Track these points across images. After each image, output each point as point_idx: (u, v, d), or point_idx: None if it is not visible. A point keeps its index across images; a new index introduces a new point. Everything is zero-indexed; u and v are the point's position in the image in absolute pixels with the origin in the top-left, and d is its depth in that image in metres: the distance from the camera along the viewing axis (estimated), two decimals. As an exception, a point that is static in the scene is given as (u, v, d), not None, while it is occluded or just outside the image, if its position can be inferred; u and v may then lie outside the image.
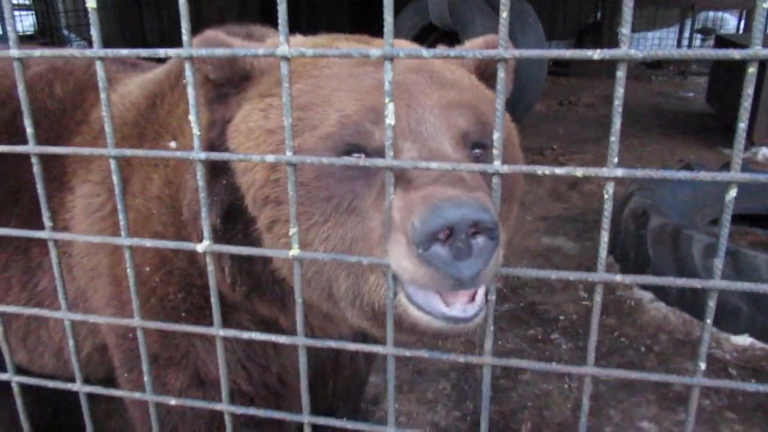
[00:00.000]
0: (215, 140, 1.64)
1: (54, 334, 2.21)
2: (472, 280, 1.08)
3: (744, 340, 3.86)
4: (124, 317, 1.89)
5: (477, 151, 1.46)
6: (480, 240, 1.06)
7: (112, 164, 1.12)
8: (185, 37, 1.00)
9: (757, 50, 0.78)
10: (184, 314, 1.84)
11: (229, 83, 1.57)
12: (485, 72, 1.74)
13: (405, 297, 1.24)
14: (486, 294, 1.22)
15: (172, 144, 1.87)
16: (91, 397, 1.40)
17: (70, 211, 2.04)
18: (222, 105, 1.59)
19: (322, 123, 1.40)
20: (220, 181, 1.62)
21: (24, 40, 12.62)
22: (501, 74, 0.90)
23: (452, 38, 6.57)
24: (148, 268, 1.83)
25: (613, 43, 13.66)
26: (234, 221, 1.59)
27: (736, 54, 0.79)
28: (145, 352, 1.29)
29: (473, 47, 1.76)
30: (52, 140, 2.11)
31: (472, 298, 1.22)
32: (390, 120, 0.95)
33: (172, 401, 1.35)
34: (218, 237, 1.67)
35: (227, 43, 1.51)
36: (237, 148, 1.54)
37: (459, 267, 1.06)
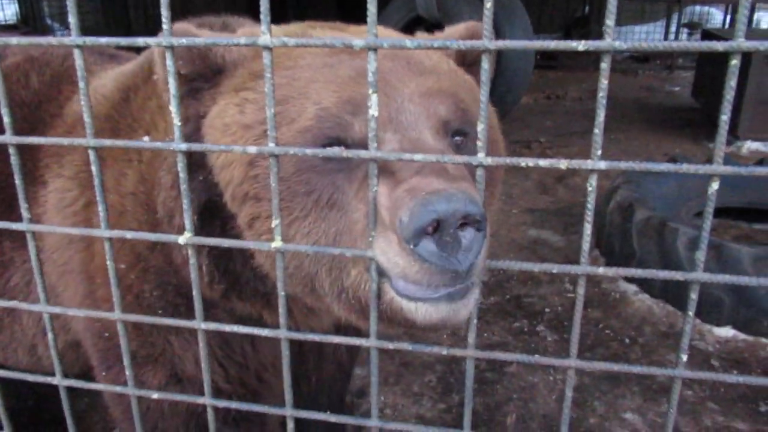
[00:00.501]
0: (190, 137, 1.60)
1: (27, 330, 2.19)
2: (466, 273, 1.07)
3: (726, 331, 3.90)
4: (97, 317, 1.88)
5: (457, 138, 1.44)
6: (468, 232, 1.05)
7: (91, 155, 1.11)
8: (165, 26, 0.98)
9: (740, 42, 0.77)
10: (160, 312, 1.82)
11: (200, 77, 1.54)
12: (466, 58, 1.73)
13: (394, 291, 1.20)
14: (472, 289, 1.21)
15: (146, 139, 1.84)
16: (71, 391, 1.38)
17: (42, 206, 2.00)
18: (195, 100, 1.55)
19: (299, 116, 1.37)
20: (196, 178, 1.59)
21: (6, 29, 12.43)
22: (485, 65, 0.90)
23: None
24: (123, 266, 1.81)
25: (601, 37, 13.70)
26: (211, 219, 1.56)
27: (719, 46, 0.78)
28: (126, 345, 1.28)
29: (455, 33, 1.74)
30: (26, 132, 2.07)
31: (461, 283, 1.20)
32: (373, 111, 0.94)
33: (155, 395, 1.34)
34: (196, 233, 1.65)
35: (195, 36, 1.47)
36: (213, 144, 1.50)
37: (452, 260, 1.05)
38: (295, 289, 1.48)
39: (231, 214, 1.52)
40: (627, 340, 3.92)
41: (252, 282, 1.68)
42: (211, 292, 1.70)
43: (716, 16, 14.82)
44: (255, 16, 2.01)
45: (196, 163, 1.59)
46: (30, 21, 12.34)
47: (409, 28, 8.50)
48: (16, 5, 13.09)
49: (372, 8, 0.90)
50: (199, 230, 1.61)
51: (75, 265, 1.95)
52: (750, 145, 7.39)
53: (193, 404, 1.89)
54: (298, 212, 1.35)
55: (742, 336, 3.87)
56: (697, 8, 14.86)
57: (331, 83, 1.40)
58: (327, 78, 1.42)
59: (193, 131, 1.58)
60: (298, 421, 1.26)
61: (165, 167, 1.70)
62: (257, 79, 1.49)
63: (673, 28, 13.44)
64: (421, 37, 1.78)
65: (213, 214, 1.56)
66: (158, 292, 1.83)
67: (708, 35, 9.04)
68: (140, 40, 1.02)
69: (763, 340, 3.82)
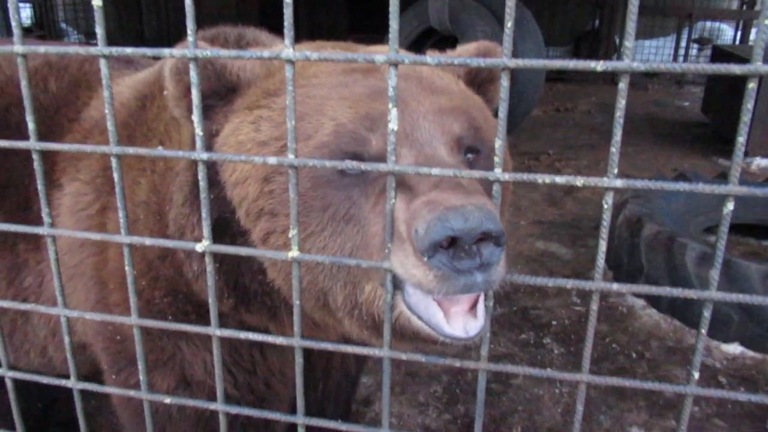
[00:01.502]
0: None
1: (39, 332, 2.21)
2: (483, 283, 1.09)
3: (734, 348, 3.89)
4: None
5: (470, 155, 1.46)
6: (486, 247, 1.06)
7: (114, 162, 1.12)
8: (190, 38, 1.00)
9: (759, 66, 0.79)
10: (170, 318, 1.83)
11: (214, 95, 1.54)
12: (475, 79, 1.75)
13: (405, 306, 1.23)
14: (486, 302, 1.22)
15: (159, 148, 1.85)
16: (82, 393, 1.40)
17: (57, 209, 2.03)
18: (207, 119, 1.54)
19: (316, 132, 1.39)
20: (208, 196, 1.61)
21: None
22: (505, 83, 0.91)
23: (451, 43, 6.58)
24: (135, 272, 1.83)
25: (610, 50, 13.70)
26: (221, 235, 1.56)
27: (737, 69, 0.80)
28: (141, 350, 1.29)
29: (465, 53, 1.77)
30: (44, 137, 2.09)
31: (473, 306, 1.22)
32: (393, 125, 0.96)
33: (167, 399, 1.35)
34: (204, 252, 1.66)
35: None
36: (227, 162, 1.51)
37: (466, 273, 1.06)
38: (306, 304, 1.49)
39: (242, 230, 1.53)
40: (634, 355, 3.91)
41: (260, 297, 1.70)
42: (222, 306, 1.72)
43: (727, 32, 14.81)
44: (267, 27, 2.04)
45: (209, 180, 1.60)
46: (45, 25, 12.46)
47: (420, 40, 8.55)
48: (30, 9, 13.23)
49: (394, 24, 0.92)
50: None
51: (87, 269, 1.97)
52: (760, 162, 7.38)
53: (201, 409, 1.90)
54: (314, 227, 1.36)
55: (750, 353, 3.85)
56: (708, 23, 14.84)
57: (347, 100, 1.42)
58: (342, 95, 1.44)
59: (207, 146, 1.60)
60: (305, 428, 1.27)
61: (176, 185, 1.71)
62: (271, 96, 1.51)
63: (683, 44, 13.43)
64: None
65: (223, 231, 1.57)
66: (169, 298, 1.84)
67: (719, 51, 9.04)
68: (166, 51, 1.04)
69: (771, 357, 3.81)
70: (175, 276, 1.82)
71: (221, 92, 1.55)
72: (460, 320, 1.21)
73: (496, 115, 1.08)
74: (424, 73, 1.57)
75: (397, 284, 1.23)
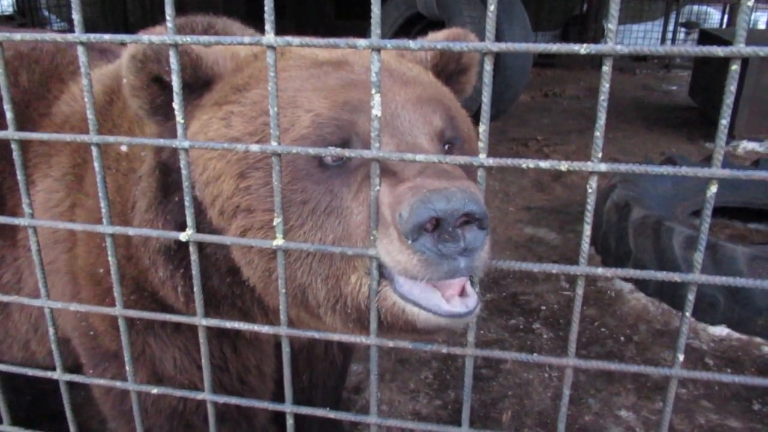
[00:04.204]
0: (168, 159, 1.56)
1: (20, 327, 2.19)
2: (466, 269, 1.09)
3: (721, 330, 3.93)
4: (83, 315, 1.89)
5: (446, 146, 1.46)
6: (470, 231, 1.06)
7: (94, 151, 1.11)
8: (170, 24, 0.98)
9: (741, 48, 0.78)
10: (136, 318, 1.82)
11: (186, 88, 1.46)
12: (443, 71, 1.74)
13: (398, 296, 1.21)
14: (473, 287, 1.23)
15: (123, 147, 1.81)
16: (69, 385, 1.39)
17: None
18: (167, 117, 1.47)
19: (292, 126, 1.36)
20: (173, 199, 1.57)
21: (2, 20, 12.37)
22: (488, 67, 0.91)
23: (438, 29, 6.53)
24: (101, 270, 1.81)
25: (599, 35, 13.70)
26: None
27: (720, 51, 0.79)
28: (126, 340, 1.28)
29: (435, 40, 1.75)
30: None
31: (462, 291, 1.22)
32: (377, 111, 0.95)
33: (154, 390, 1.35)
34: (172, 256, 1.63)
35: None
36: (195, 160, 1.47)
37: (452, 256, 1.06)
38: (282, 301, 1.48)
39: (213, 231, 1.50)
40: (622, 338, 3.94)
41: (230, 299, 1.68)
42: (188, 310, 1.71)
43: (714, 16, 14.84)
44: (254, 16, 2.00)
45: (175, 183, 1.56)
46: (27, 12, 12.26)
47: (407, 26, 8.50)
48: (13, -4, 13.01)
49: (376, 9, 0.91)
50: (176, 251, 1.61)
51: (61, 266, 1.96)
52: (746, 145, 7.42)
53: (175, 403, 1.90)
54: (293, 221, 1.34)
55: (736, 335, 3.89)
56: (695, 7, 14.86)
57: (321, 91, 1.39)
58: (315, 86, 1.41)
59: (170, 153, 1.56)
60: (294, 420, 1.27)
61: (140, 190, 1.67)
62: (241, 92, 1.47)
63: (671, 27, 13.44)
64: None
65: None
66: (135, 296, 1.83)
67: (706, 35, 9.05)
68: (144, 37, 1.02)
69: (757, 339, 3.85)
70: (139, 276, 1.81)
71: (193, 86, 1.49)
72: (456, 299, 1.20)
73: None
74: (392, 65, 1.55)
75: (387, 275, 1.22)
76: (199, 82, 1.50)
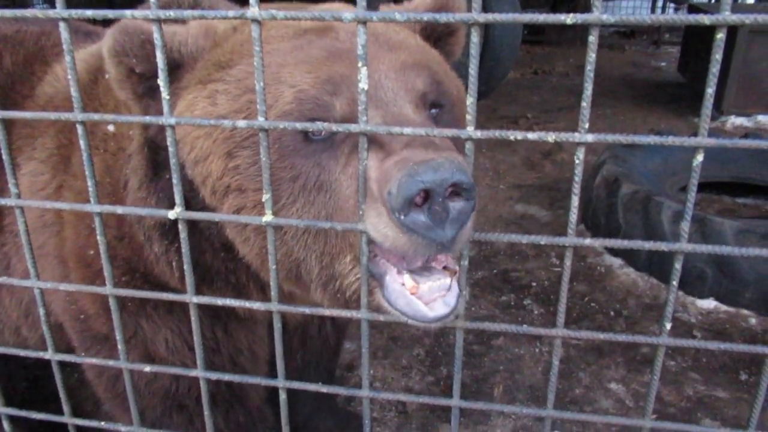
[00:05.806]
0: (155, 138, 1.56)
1: (11, 313, 2.19)
2: (451, 243, 1.09)
3: (709, 303, 3.98)
4: (73, 299, 1.88)
5: (434, 111, 1.45)
6: (457, 202, 1.06)
7: (79, 129, 1.10)
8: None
9: (726, 16, 0.78)
10: (128, 298, 1.82)
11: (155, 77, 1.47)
12: (432, 33, 1.72)
13: (385, 302, 1.24)
14: (462, 261, 1.23)
15: (110, 127, 1.80)
16: (63, 367, 1.39)
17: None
18: (155, 100, 1.49)
19: (276, 101, 1.35)
20: (164, 177, 1.57)
21: (-16, 1, 12.11)
22: (475, 39, 0.90)
23: None
24: (91, 251, 1.80)
25: (588, 11, 13.62)
26: None
27: (706, 19, 0.79)
28: (118, 319, 1.28)
29: (422, 5, 1.73)
30: None
31: (448, 288, 1.23)
32: (363, 84, 0.94)
33: (147, 368, 1.35)
34: (166, 232, 1.63)
35: (146, 31, 1.41)
36: (183, 139, 1.46)
37: (439, 231, 1.06)
38: (278, 275, 1.49)
39: (206, 209, 1.50)
40: (612, 313, 3.99)
41: (223, 275, 1.69)
42: (183, 287, 1.71)
43: (703, -9, 14.80)
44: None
45: (164, 162, 1.55)
46: (8, -6, 12.02)
47: None
48: (-6, -23, 12.75)
49: (361, -19, 0.90)
50: (170, 227, 1.61)
51: (50, 249, 1.95)
52: (734, 120, 7.44)
53: (168, 384, 1.91)
54: (285, 199, 1.34)
55: (723, 307, 3.95)
56: (685, -18, 14.82)
57: (304, 64, 1.38)
58: (298, 59, 1.39)
59: (157, 131, 1.55)
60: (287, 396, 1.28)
61: (131, 168, 1.67)
62: (224, 69, 1.46)
63: (660, 2, 13.40)
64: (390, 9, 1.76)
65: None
66: (126, 278, 1.83)
67: (695, 9, 9.03)
68: (127, 13, 1.01)
69: (744, 311, 3.90)
70: (132, 256, 1.80)
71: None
72: (438, 302, 1.21)
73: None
74: (380, 29, 1.53)
75: (376, 276, 1.25)
76: (169, 67, 1.50)
